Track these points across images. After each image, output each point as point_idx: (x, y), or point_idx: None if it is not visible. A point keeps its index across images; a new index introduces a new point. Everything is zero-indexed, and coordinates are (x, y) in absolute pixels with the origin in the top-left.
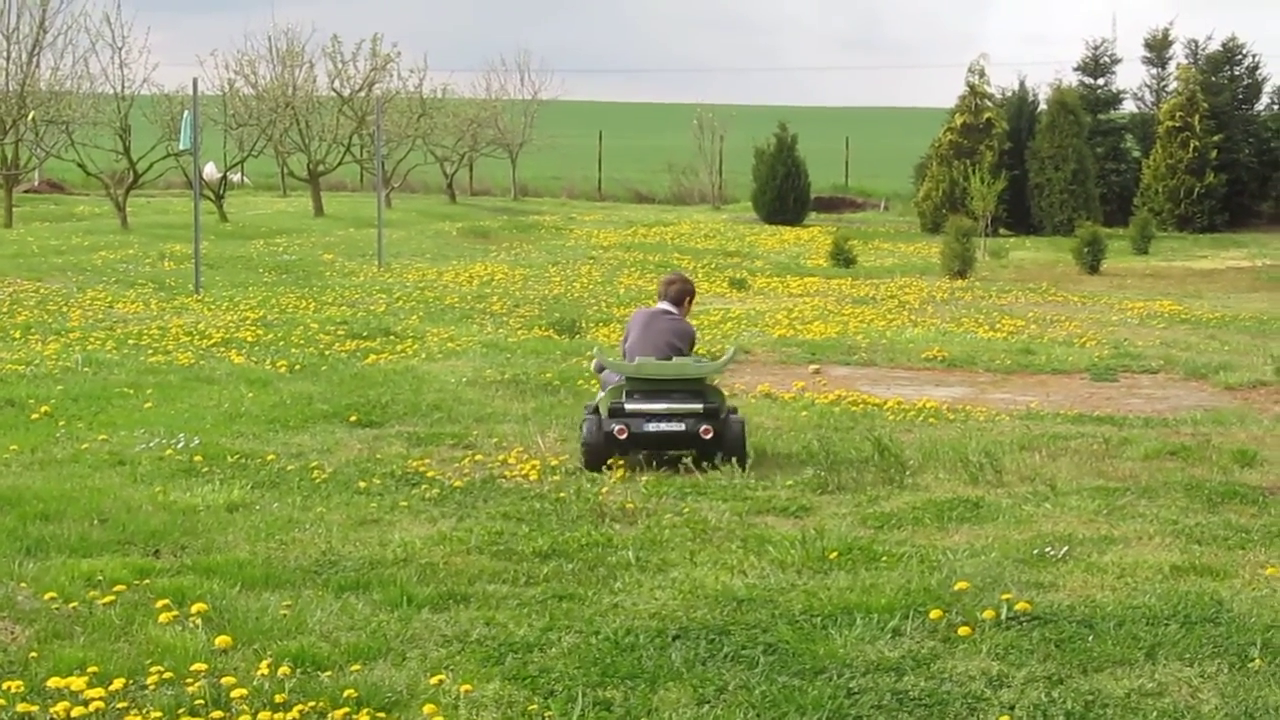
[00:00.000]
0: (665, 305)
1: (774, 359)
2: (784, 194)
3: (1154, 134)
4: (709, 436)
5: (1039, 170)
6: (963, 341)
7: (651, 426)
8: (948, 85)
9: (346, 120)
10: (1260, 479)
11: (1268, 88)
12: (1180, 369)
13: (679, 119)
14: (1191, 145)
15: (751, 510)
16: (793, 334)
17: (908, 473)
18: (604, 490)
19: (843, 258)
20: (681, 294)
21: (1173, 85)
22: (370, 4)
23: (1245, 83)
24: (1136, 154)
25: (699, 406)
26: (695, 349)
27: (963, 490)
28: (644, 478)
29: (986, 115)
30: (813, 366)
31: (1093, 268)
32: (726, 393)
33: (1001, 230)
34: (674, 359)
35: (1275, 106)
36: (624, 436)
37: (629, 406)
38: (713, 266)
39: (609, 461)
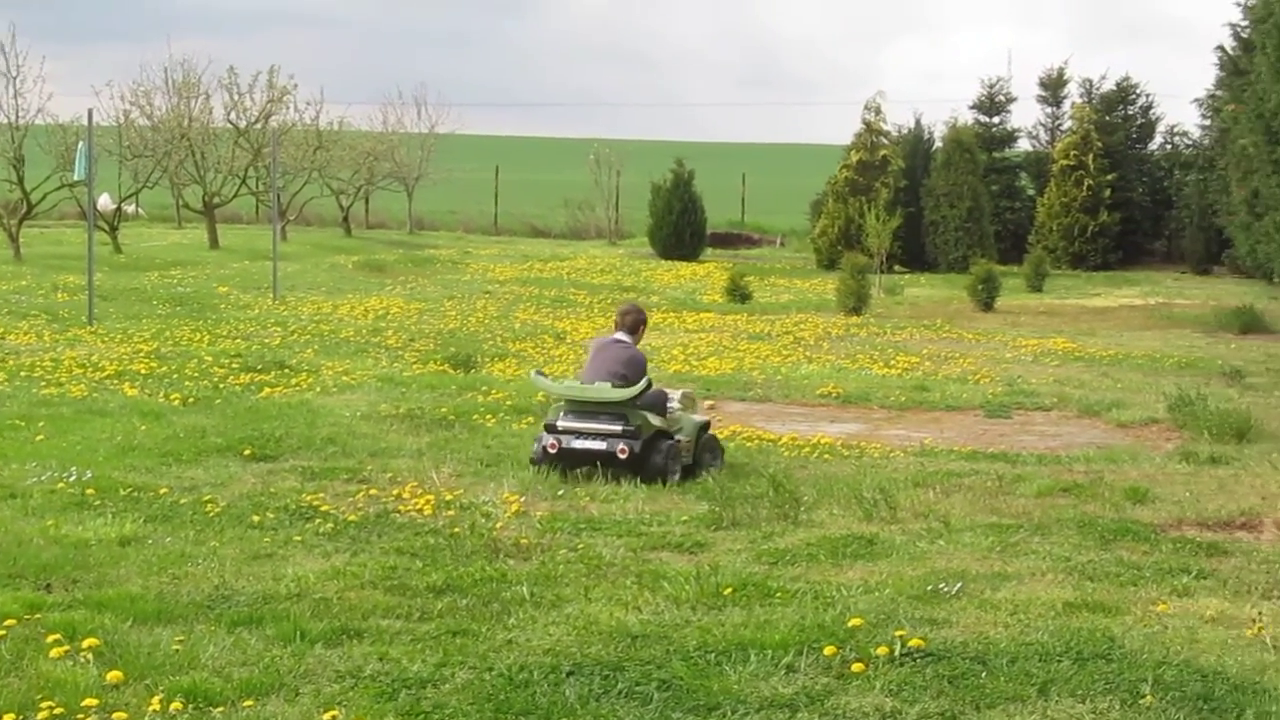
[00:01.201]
0: (620, 334)
1: None
2: (680, 229)
3: (1049, 172)
4: (624, 456)
5: (934, 207)
6: (858, 378)
7: (578, 443)
8: (845, 122)
9: (242, 152)
10: (1152, 516)
11: (1161, 127)
12: (1073, 406)
13: (575, 154)
14: (1086, 184)
15: (646, 546)
16: (688, 370)
17: (802, 509)
18: (499, 526)
19: (739, 293)
20: (635, 323)
21: (1067, 124)
22: (267, 36)
23: (1139, 122)
24: (1031, 192)
25: (619, 428)
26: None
27: (857, 527)
28: (538, 513)
29: (883, 152)
30: (708, 402)
31: (987, 305)
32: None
33: (897, 267)
34: (598, 384)
35: (1168, 146)
36: (554, 450)
37: (560, 424)
38: (608, 302)
39: (505, 496)
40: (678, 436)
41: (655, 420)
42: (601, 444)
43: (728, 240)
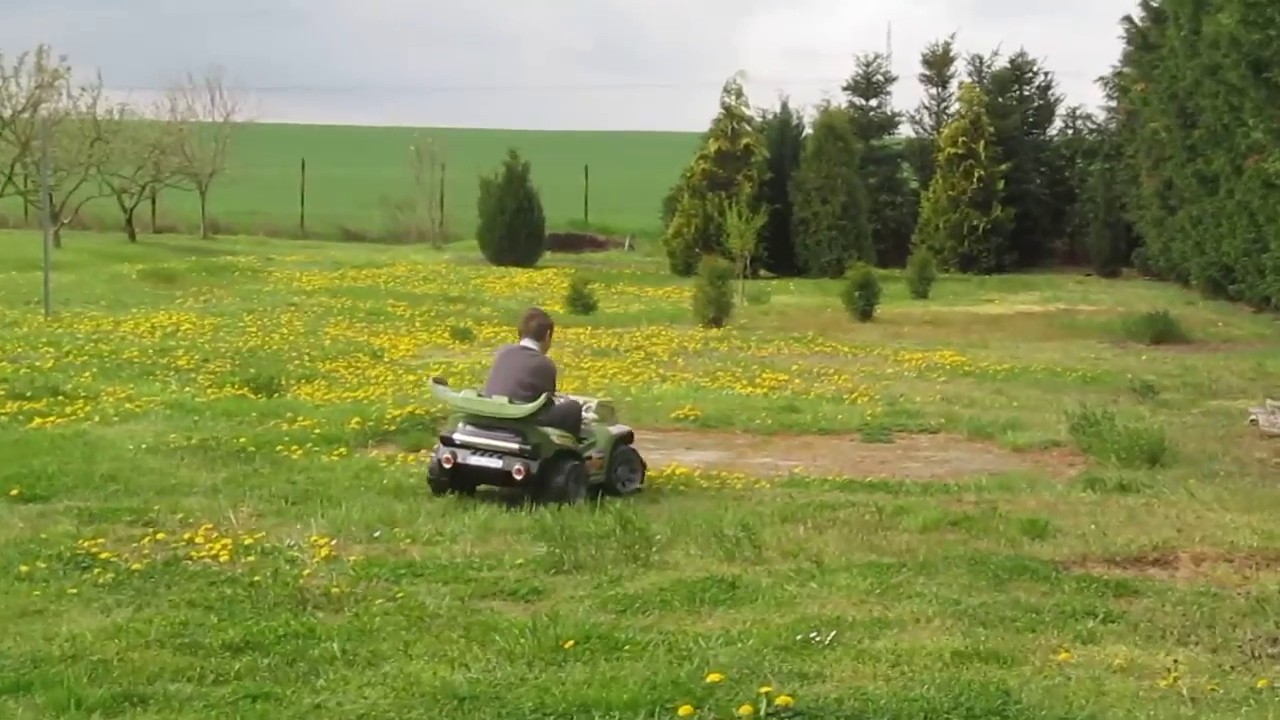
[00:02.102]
0: (526, 341)
1: None
2: (515, 231)
3: (934, 162)
4: (520, 477)
5: (804, 204)
6: (718, 399)
7: (474, 460)
8: (702, 107)
9: (8, 146)
10: (1052, 552)
11: (1061, 109)
12: (963, 428)
13: (394, 146)
14: (976, 175)
15: (475, 594)
16: None
17: (654, 549)
18: (306, 573)
19: (582, 303)
20: (540, 328)
21: (955, 107)
22: (33, 11)
23: (1036, 104)
24: (915, 185)
25: (515, 445)
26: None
27: (717, 568)
28: (352, 557)
29: (745, 141)
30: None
31: (865, 314)
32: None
33: (762, 272)
34: (496, 396)
35: (1070, 131)
36: (450, 466)
37: (458, 437)
38: (432, 314)
39: (313, 539)
40: (590, 453)
41: (557, 437)
42: (497, 462)
43: (570, 243)
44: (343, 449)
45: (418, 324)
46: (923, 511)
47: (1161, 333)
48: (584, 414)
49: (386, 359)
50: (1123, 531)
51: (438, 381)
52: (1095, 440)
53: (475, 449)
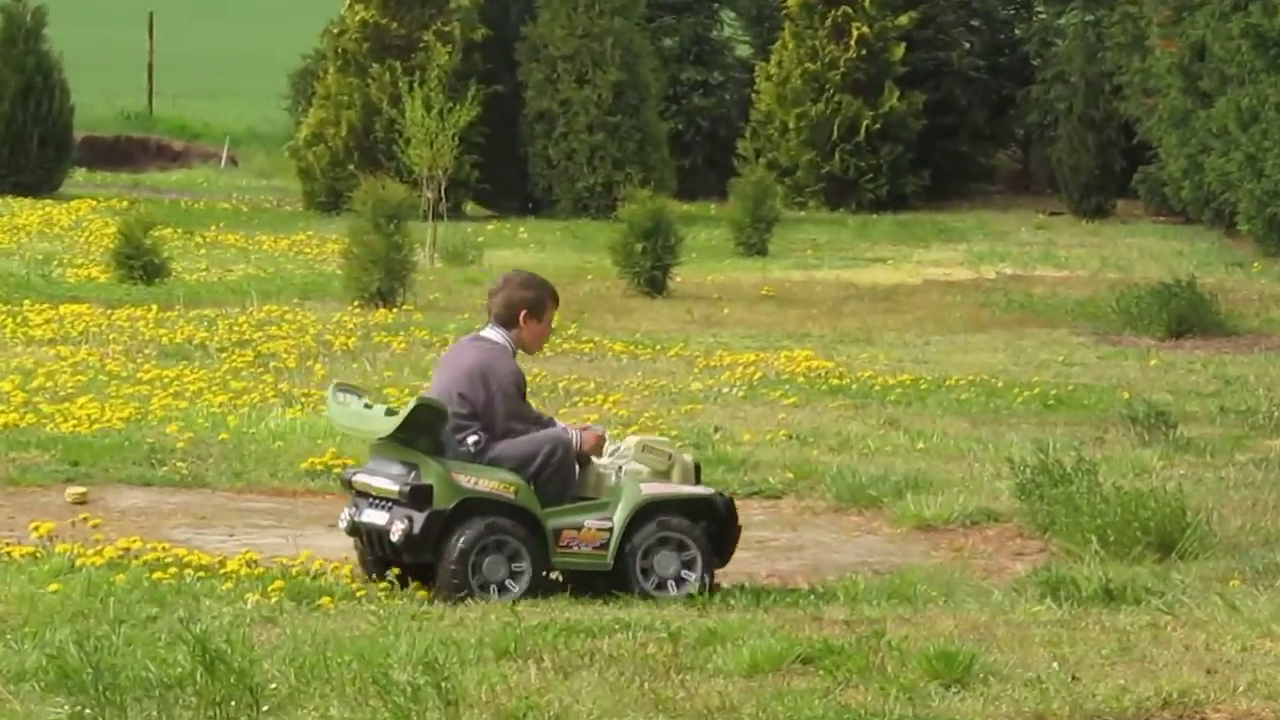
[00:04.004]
0: (489, 330)
1: None
2: (21, 133)
3: (778, 10)
4: (399, 538)
5: (545, 86)
6: None
7: (368, 515)
8: None
9: None
10: (982, 713)
11: None
12: (827, 489)
13: None
14: (854, 33)
15: None
16: (33, 422)
17: (263, 708)
18: None
19: (140, 265)
20: (512, 305)
21: None
22: None
23: None
24: (745, 50)
25: (395, 488)
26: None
27: None
28: None
29: None
30: (72, 490)
31: (655, 284)
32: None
33: (470, 209)
34: (386, 412)
35: None
36: (344, 525)
37: (357, 478)
38: None
39: None
40: (587, 520)
41: (478, 479)
42: (384, 516)
43: (120, 153)
44: None
45: None
46: (751, 640)
47: (1186, 318)
48: (602, 457)
49: None
50: (1109, 675)
51: (341, 388)
52: (1061, 512)
53: (369, 495)
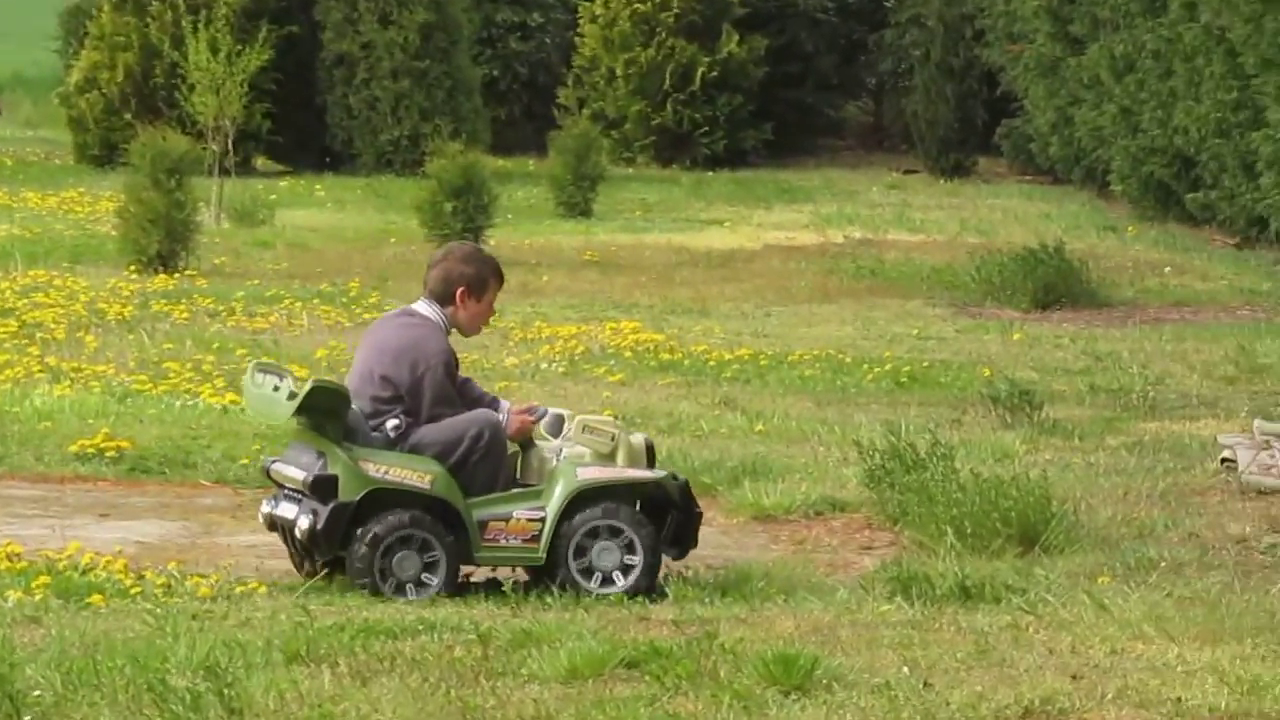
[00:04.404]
0: (419, 303)
1: None
2: None
3: None
4: (303, 535)
5: (344, 28)
6: (168, 417)
7: (281, 507)
8: None
9: None
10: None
11: None
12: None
13: None
14: None
15: None
16: None
17: (24, 718)
18: None
19: None
20: (449, 282)
21: None
22: None
23: None
24: None
25: (301, 475)
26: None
27: None
28: None
29: None
30: None
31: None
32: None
33: (261, 163)
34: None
35: None
36: (262, 519)
37: (274, 467)
38: None
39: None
40: (517, 510)
41: (377, 468)
42: (294, 509)
43: None
44: None
45: None
46: (569, 642)
47: (1052, 287)
48: (537, 441)
49: None
50: (965, 681)
51: (261, 368)
52: (914, 501)
53: (286, 487)
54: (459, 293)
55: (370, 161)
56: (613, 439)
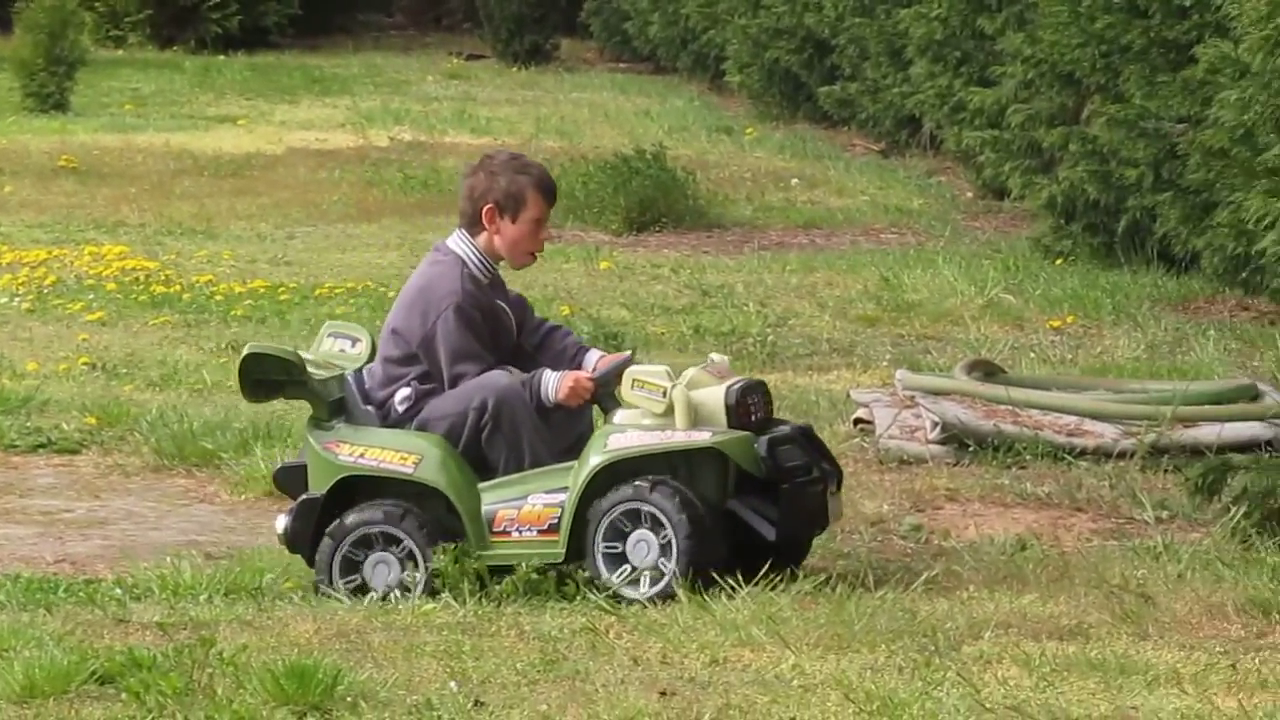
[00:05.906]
0: (454, 238)
1: None
2: None
3: None
4: (280, 538)
5: None
6: None
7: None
8: None
9: None
10: None
11: None
12: (144, 441)
13: None
14: None
15: None
16: None
17: None
18: None
19: None
20: (474, 199)
21: None
22: None
23: None
24: None
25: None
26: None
27: None
28: None
29: None
30: None
31: None
32: None
33: None
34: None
35: None
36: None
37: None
38: None
39: None
40: (533, 495)
41: (349, 452)
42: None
43: None
44: None
45: None
46: (26, 651)
47: (651, 204)
48: (627, 402)
49: None
50: (526, 700)
51: (334, 332)
52: None
53: None
54: (486, 211)
55: None
56: (664, 394)
